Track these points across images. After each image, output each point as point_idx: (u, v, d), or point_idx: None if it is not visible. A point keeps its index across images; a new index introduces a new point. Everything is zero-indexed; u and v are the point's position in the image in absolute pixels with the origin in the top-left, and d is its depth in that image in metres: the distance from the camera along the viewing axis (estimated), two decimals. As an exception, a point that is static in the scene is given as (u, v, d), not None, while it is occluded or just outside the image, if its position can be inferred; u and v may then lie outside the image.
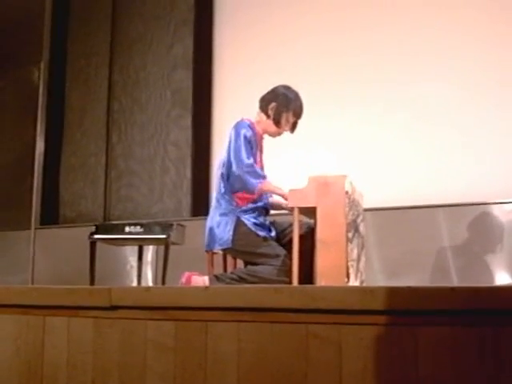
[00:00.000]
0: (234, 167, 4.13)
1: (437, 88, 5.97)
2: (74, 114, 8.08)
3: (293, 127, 4.37)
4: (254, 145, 4.24)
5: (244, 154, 4.13)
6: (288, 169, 5.96)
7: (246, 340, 2.16)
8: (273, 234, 4.21)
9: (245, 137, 4.17)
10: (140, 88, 7.64)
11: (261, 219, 4.24)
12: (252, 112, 4.45)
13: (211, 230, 4.21)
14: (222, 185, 4.25)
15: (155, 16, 7.63)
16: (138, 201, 7.47)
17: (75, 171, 7.95)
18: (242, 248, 4.13)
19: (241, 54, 7.15)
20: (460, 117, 5.88)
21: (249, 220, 4.15)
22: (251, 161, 4.16)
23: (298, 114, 4.32)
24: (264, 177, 4.18)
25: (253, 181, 4.12)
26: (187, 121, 7.25)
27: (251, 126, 4.25)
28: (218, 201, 4.26)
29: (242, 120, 4.27)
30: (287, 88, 4.36)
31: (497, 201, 5.54)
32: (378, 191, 5.56)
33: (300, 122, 4.39)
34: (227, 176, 4.22)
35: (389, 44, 6.28)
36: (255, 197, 4.22)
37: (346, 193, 3.87)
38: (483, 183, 5.64)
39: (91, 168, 7.83)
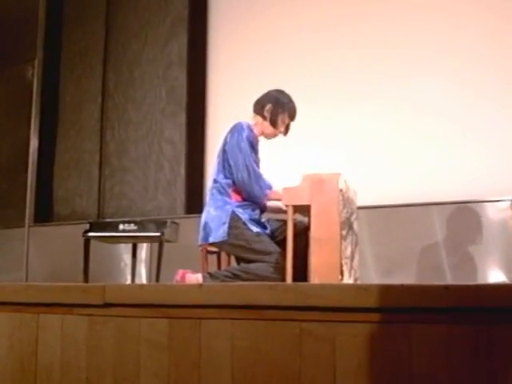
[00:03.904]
0: (242, 175, 4.15)
1: (432, 85, 5.96)
2: (68, 111, 8.07)
3: (286, 129, 4.41)
4: (255, 147, 4.28)
5: (253, 164, 4.18)
6: (283, 166, 5.96)
7: (240, 337, 2.16)
8: (267, 230, 4.22)
9: (249, 141, 4.21)
10: (134, 85, 7.64)
11: (256, 215, 4.25)
12: (246, 108, 4.46)
13: (206, 224, 4.22)
14: (218, 178, 4.26)
15: (150, 13, 7.63)
16: (132, 198, 7.47)
17: (69, 169, 7.94)
18: (236, 242, 4.13)
19: (235, 52, 7.15)
20: (455, 115, 5.88)
21: (244, 215, 4.16)
22: (259, 170, 4.22)
23: (292, 115, 4.39)
24: (270, 187, 4.23)
25: (260, 193, 4.19)
26: (181, 118, 7.25)
27: (250, 128, 4.28)
28: (213, 195, 4.27)
29: (240, 123, 4.28)
30: (280, 91, 4.44)
31: (490, 199, 5.55)
32: (372, 189, 5.57)
33: (295, 119, 4.42)
34: (227, 173, 4.23)
35: (386, 38, 6.26)
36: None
37: (340, 191, 3.87)
38: (477, 181, 5.64)
39: (85, 165, 7.83)
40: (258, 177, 4.19)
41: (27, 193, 7.68)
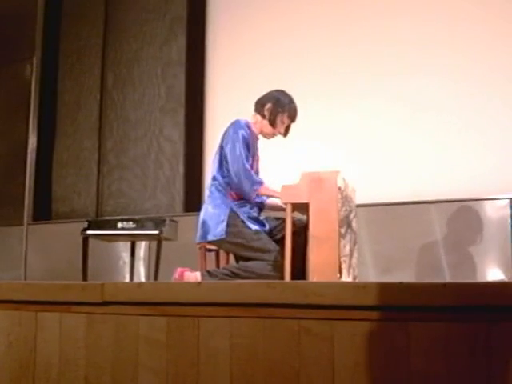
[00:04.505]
0: (232, 170, 4.15)
1: (431, 83, 5.96)
2: (66, 109, 8.06)
3: (286, 130, 4.41)
4: (250, 145, 4.28)
5: (243, 159, 4.16)
6: (282, 164, 5.96)
7: (239, 335, 2.16)
8: (266, 228, 4.22)
9: (243, 138, 4.20)
10: (133, 84, 7.62)
11: (254, 213, 4.25)
12: (244, 107, 4.46)
13: (204, 222, 4.22)
14: (217, 176, 4.26)
15: (149, 12, 7.62)
16: (130, 196, 7.46)
17: (68, 167, 7.93)
18: (234, 240, 4.13)
19: (233, 51, 7.14)
20: (454, 113, 5.88)
21: (242, 213, 4.16)
22: (248, 166, 4.19)
23: (292, 116, 4.37)
24: (260, 183, 4.20)
25: (249, 188, 4.16)
26: (180, 116, 7.25)
27: (248, 126, 4.27)
28: (212, 193, 4.27)
29: (238, 120, 4.28)
30: (282, 92, 4.42)
31: (489, 197, 5.55)
32: (370, 187, 5.56)
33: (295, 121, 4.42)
34: (225, 170, 4.23)
35: (386, 36, 6.24)
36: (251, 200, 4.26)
37: (339, 189, 3.87)
38: (476, 179, 5.64)
39: (84, 163, 7.81)
40: (248, 172, 4.16)
41: (25, 191, 7.68)
